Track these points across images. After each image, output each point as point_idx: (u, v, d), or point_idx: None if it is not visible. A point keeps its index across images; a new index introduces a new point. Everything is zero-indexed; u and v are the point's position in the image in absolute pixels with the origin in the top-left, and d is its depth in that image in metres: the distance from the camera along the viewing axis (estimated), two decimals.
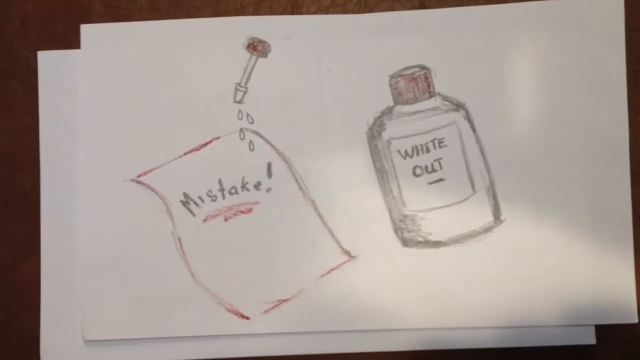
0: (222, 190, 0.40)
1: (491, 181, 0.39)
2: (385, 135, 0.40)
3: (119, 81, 0.40)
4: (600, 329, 0.39)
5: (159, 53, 0.40)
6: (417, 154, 0.39)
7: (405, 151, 0.40)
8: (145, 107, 0.40)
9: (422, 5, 0.40)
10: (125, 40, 0.40)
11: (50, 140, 0.40)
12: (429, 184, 0.40)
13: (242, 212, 0.40)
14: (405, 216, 0.40)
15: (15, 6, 0.41)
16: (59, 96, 0.40)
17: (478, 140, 0.40)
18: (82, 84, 0.40)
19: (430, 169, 0.40)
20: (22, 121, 0.41)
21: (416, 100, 0.40)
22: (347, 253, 0.39)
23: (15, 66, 0.41)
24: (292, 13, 0.40)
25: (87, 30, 0.40)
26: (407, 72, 0.40)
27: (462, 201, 0.40)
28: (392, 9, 0.40)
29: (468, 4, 0.40)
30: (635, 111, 0.39)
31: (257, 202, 0.40)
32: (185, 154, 0.40)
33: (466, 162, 0.39)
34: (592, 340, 0.39)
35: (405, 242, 0.40)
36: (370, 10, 0.40)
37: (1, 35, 0.41)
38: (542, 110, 0.39)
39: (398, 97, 0.40)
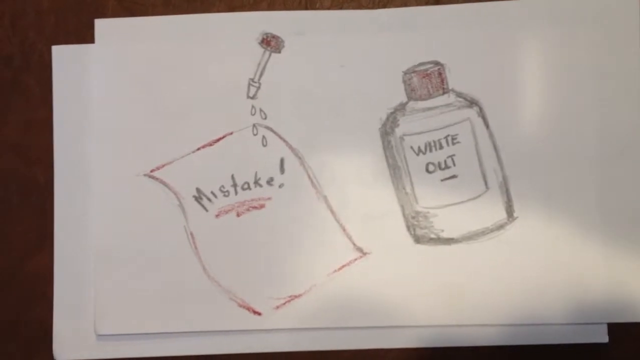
0: (234, 185, 0.40)
1: (504, 178, 0.39)
2: (398, 131, 0.39)
3: (132, 76, 0.40)
4: (613, 327, 0.39)
5: (172, 48, 0.40)
6: (430, 150, 0.39)
7: (419, 147, 0.39)
8: (158, 102, 0.40)
9: (436, 1, 0.40)
10: (139, 35, 0.40)
11: (64, 134, 0.41)
12: (442, 180, 0.39)
13: (255, 207, 0.40)
14: (417, 213, 0.39)
15: (30, 1, 0.41)
16: (73, 90, 0.40)
17: (491, 137, 0.39)
18: (96, 79, 0.40)
19: (443, 165, 0.39)
20: (36, 115, 0.41)
21: (430, 96, 0.39)
22: (360, 250, 0.39)
23: (29, 60, 0.41)
24: (306, 8, 0.40)
25: (102, 25, 0.40)
26: (421, 68, 0.40)
27: (475, 198, 0.39)
28: (405, 4, 0.40)
29: (482, 0, 0.40)
30: None
31: (269, 198, 0.40)
32: (198, 149, 0.40)
33: (479, 159, 0.39)
34: (605, 339, 0.39)
35: (418, 239, 0.39)
36: (384, 6, 0.40)
37: (16, 30, 0.41)
38: (555, 107, 0.39)
39: (412, 93, 0.40)
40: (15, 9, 0.41)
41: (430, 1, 0.40)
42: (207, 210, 0.40)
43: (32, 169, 0.41)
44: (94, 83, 0.40)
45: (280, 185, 0.40)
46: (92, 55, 0.41)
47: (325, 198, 0.40)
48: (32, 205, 0.41)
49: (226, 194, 0.40)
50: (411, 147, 0.39)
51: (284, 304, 0.39)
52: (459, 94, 0.39)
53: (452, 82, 0.40)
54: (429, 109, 0.39)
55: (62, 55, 0.41)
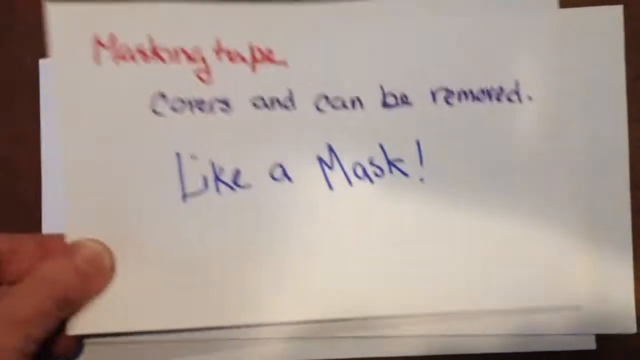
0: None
1: None
2: None
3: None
4: (601, 335, 0.39)
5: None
6: None
7: None
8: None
9: None
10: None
11: (52, 149, 0.40)
12: None
13: None
14: None
15: (18, 15, 0.41)
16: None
17: None
18: (54, 68, 0.37)
19: None
20: (23, 129, 0.40)
21: None
22: None
23: (16, 74, 0.41)
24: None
25: (55, 10, 0.37)
26: None
27: None
28: None
29: None
30: (635, 118, 0.39)
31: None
32: None
33: None
34: (593, 346, 0.39)
35: None
36: None
37: (3, 44, 0.41)
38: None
39: None
40: (2, 24, 0.41)
41: None
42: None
43: (19, 183, 0.40)
44: (51, 73, 0.38)
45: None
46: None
47: None
48: (19, 220, 0.40)
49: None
50: None
51: None
52: None
53: None
54: None
55: (49, 70, 0.39)
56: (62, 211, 0.37)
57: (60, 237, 0.36)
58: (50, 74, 0.39)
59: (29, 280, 0.34)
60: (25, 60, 0.40)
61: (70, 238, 0.37)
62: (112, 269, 0.37)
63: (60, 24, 0.37)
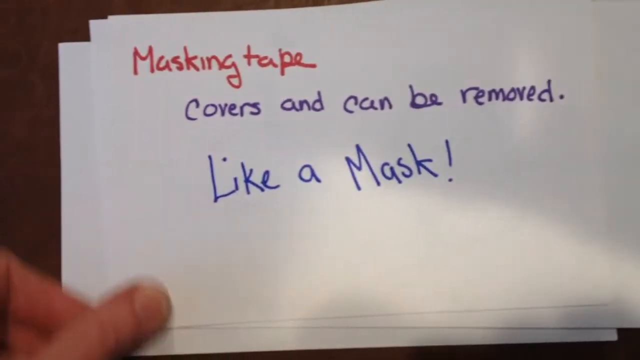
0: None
1: None
2: None
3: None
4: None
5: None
6: None
7: None
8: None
9: None
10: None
11: (72, 133, 0.40)
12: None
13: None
14: None
15: None
16: (79, 88, 0.40)
17: None
18: (95, 79, 0.40)
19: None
20: (43, 113, 0.41)
21: None
22: None
23: (36, 58, 0.41)
24: (314, 5, 0.40)
25: (97, 25, 0.40)
26: None
27: None
28: None
29: None
30: None
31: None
32: None
33: None
34: (614, 337, 0.38)
35: None
36: None
37: (22, 28, 0.41)
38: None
39: None
40: (22, 7, 0.41)
41: None
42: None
43: (39, 168, 0.41)
44: (93, 83, 0.40)
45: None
46: (90, 54, 0.40)
47: None
48: (39, 205, 0.40)
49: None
50: None
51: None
52: None
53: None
54: None
55: (69, 53, 0.40)
56: (81, 196, 0.40)
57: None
58: (70, 57, 0.40)
59: (83, 323, 0.34)
60: (44, 43, 0.41)
61: (110, 235, 0.39)
62: (168, 314, 0.38)
63: (102, 38, 0.40)
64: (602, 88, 0.38)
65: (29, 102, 0.41)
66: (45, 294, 0.37)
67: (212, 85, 0.39)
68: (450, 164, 0.38)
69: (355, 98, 0.39)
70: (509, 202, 0.38)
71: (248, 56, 0.39)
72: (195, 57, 0.39)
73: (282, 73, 0.39)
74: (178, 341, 0.39)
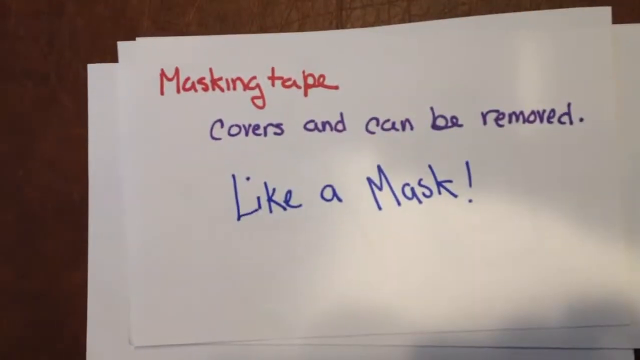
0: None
1: None
2: None
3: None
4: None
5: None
6: None
7: None
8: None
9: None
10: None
11: (99, 151, 0.41)
12: None
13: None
14: None
15: (65, 20, 0.42)
16: (107, 108, 0.41)
17: None
18: (121, 98, 0.41)
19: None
20: (72, 132, 0.41)
21: None
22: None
23: (65, 78, 0.42)
24: (337, 28, 0.40)
25: (124, 46, 0.41)
26: None
27: None
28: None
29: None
30: None
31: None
32: None
33: None
34: (631, 358, 0.38)
35: None
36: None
37: (52, 49, 0.42)
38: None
39: None
40: (52, 29, 0.42)
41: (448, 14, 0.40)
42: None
43: (68, 186, 0.41)
44: (120, 103, 0.41)
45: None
46: (117, 75, 0.41)
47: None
48: (67, 221, 0.41)
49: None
50: None
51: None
52: None
53: None
54: None
55: (97, 74, 0.41)
56: (109, 213, 0.41)
57: None
58: (98, 77, 0.41)
59: None
60: (73, 64, 0.42)
61: (135, 252, 0.40)
62: None
63: (130, 59, 0.41)
64: (622, 111, 0.38)
65: (58, 121, 0.42)
66: None
67: (236, 106, 0.40)
68: (470, 185, 0.39)
69: (377, 119, 0.40)
70: (527, 224, 0.38)
71: (272, 77, 0.40)
72: (220, 79, 0.40)
73: (306, 94, 0.40)
74: (196, 356, 0.40)
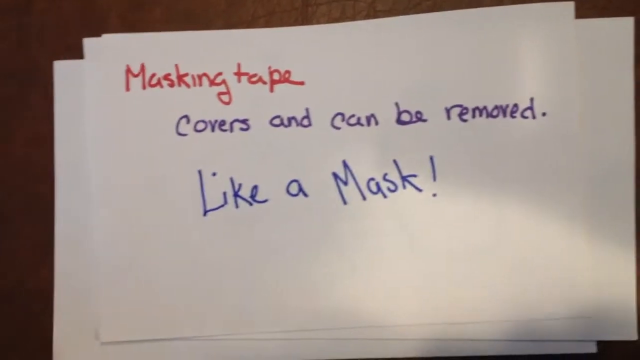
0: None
1: None
2: None
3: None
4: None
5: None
6: None
7: None
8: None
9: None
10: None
11: (66, 149, 0.41)
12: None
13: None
14: None
15: (34, 17, 0.42)
16: (74, 105, 0.41)
17: None
18: (87, 95, 0.41)
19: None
20: (39, 130, 0.42)
21: None
22: None
23: (33, 76, 0.42)
24: (303, 24, 0.40)
25: (90, 43, 0.41)
26: None
27: None
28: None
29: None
30: None
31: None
32: None
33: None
34: (593, 350, 0.39)
35: None
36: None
37: (20, 46, 0.42)
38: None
39: None
40: (21, 25, 0.42)
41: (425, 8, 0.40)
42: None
43: (35, 185, 0.41)
44: (86, 99, 0.41)
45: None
46: (83, 72, 0.41)
47: None
48: (34, 220, 0.41)
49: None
50: None
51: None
52: None
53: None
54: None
55: (64, 70, 0.41)
56: (75, 211, 0.41)
57: None
58: (64, 74, 0.41)
59: None
60: (40, 61, 0.42)
61: (102, 248, 0.40)
62: None
63: (95, 56, 0.41)
64: (585, 106, 0.39)
65: (27, 119, 0.42)
66: None
67: (202, 102, 0.40)
68: (434, 179, 0.39)
69: (342, 115, 0.40)
70: (491, 217, 0.39)
71: (238, 73, 0.40)
72: (186, 75, 0.40)
73: (271, 90, 0.40)
74: (169, 352, 0.40)
